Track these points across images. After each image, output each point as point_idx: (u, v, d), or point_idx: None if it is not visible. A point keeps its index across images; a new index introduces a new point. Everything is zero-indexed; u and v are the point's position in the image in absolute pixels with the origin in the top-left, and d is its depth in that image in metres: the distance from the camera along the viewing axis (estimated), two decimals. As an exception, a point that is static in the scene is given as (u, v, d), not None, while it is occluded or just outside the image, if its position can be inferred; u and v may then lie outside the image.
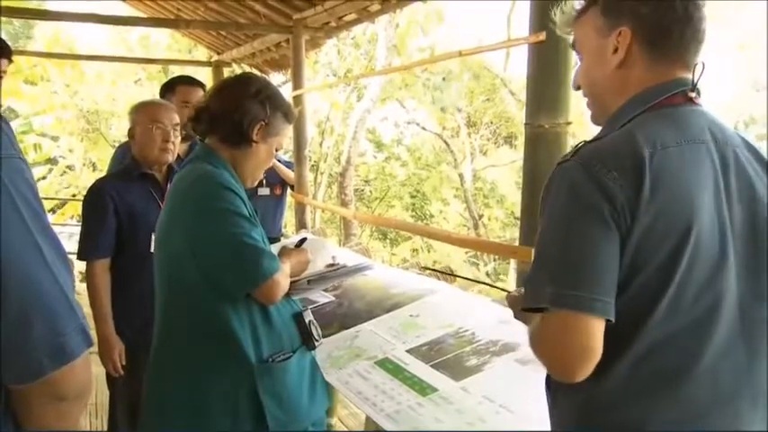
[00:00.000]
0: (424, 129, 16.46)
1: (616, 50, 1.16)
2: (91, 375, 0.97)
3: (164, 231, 1.77)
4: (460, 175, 15.54)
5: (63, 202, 12.76)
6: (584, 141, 1.16)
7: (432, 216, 16.38)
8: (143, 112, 2.53)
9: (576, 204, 1.07)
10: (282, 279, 1.72)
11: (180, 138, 2.59)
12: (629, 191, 1.04)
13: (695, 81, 1.15)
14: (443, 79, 14.98)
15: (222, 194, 1.67)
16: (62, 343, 0.89)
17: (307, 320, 1.85)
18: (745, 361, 1.09)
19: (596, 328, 1.05)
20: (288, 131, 1.89)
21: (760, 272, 1.10)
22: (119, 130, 14.58)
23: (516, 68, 15.13)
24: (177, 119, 2.55)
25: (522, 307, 1.14)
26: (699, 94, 1.18)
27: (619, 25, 1.16)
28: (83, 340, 0.92)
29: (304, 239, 2.16)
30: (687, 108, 1.15)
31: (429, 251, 14.66)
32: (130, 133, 2.54)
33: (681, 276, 1.05)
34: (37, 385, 0.89)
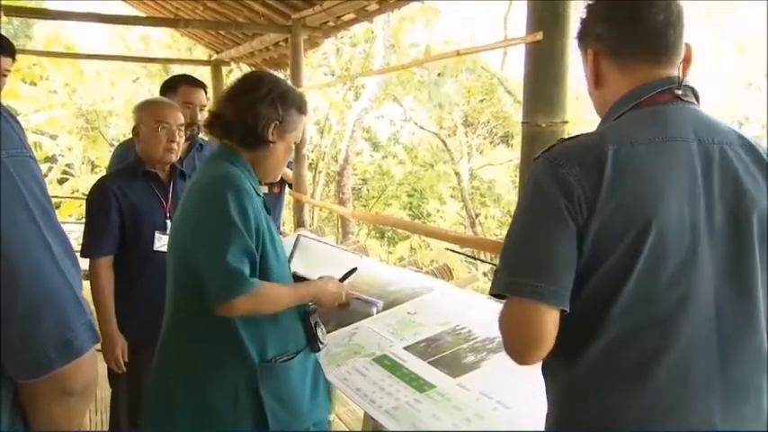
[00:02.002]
0: (421, 128, 16.47)
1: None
2: (97, 371, 0.99)
3: (177, 226, 1.79)
4: (457, 174, 15.55)
5: (62, 201, 12.77)
6: (561, 139, 1.22)
7: (429, 215, 16.38)
8: (148, 111, 2.52)
9: (536, 198, 1.14)
10: (247, 303, 1.65)
11: (184, 138, 2.61)
12: (587, 185, 1.09)
13: (681, 79, 1.18)
14: (438, 75, 14.98)
15: (233, 201, 1.66)
16: (70, 338, 0.90)
17: (313, 322, 1.87)
18: (717, 356, 1.10)
19: (547, 316, 1.10)
20: (304, 124, 1.89)
21: (742, 269, 1.11)
22: (116, 129, 14.57)
23: (513, 68, 15.15)
24: (182, 119, 2.56)
25: (489, 293, 1.20)
26: (692, 92, 1.20)
27: (587, 49, 1.24)
28: (90, 336, 0.93)
29: (354, 270, 2.09)
30: (672, 106, 1.17)
31: (426, 249, 14.68)
32: (135, 131, 2.54)
33: (643, 270, 1.08)
34: (45, 380, 0.90)
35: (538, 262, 1.11)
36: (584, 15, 1.26)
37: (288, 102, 1.81)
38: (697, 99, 1.21)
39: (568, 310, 1.11)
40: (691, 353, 1.09)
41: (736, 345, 1.11)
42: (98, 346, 0.97)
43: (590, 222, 1.08)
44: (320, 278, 1.93)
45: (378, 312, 2.14)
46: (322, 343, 1.87)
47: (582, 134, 1.21)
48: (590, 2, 1.25)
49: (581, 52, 1.28)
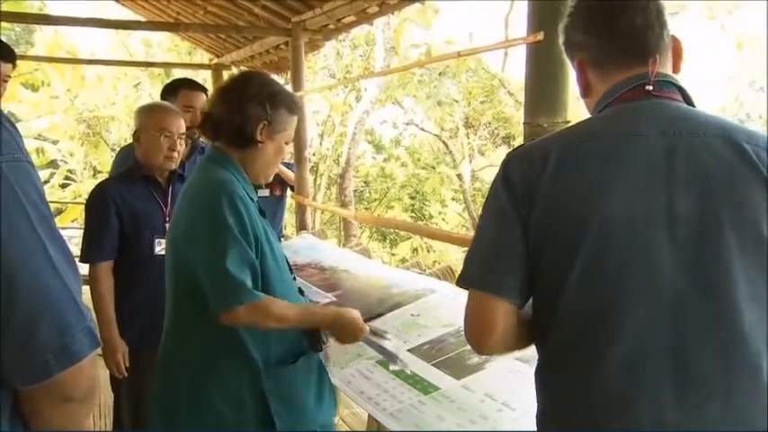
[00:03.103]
0: (422, 130, 16.47)
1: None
2: (98, 376, 0.98)
3: (173, 232, 1.78)
4: (459, 176, 15.55)
5: (64, 206, 12.80)
6: (531, 139, 1.26)
7: (431, 217, 16.38)
8: (151, 118, 2.51)
9: (489, 196, 1.21)
10: (250, 314, 1.64)
11: (185, 145, 2.60)
12: (531, 179, 1.14)
13: (651, 74, 1.16)
14: (440, 74, 14.98)
15: (228, 207, 1.65)
16: (69, 344, 0.89)
17: None
18: (671, 354, 1.06)
19: (493, 306, 1.16)
20: (294, 124, 1.88)
21: (709, 264, 1.06)
22: (118, 134, 14.61)
23: (514, 69, 15.16)
24: (184, 127, 2.54)
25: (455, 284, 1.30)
26: (677, 87, 1.18)
27: (573, 58, 1.27)
28: (90, 342, 0.92)
29: (384, 333, 1.96)
30: (641, 102, 1.16)
31: (428, 251, 14.67)
32: (135, 135, 2.53)
33: (585, 263, 1.09)
34: (45, 386, 0.89)
35: (486, 255, 1.19)
36: (565, 22, 1.26)
37: (277, 102, 1.80)
38: (683, 94, 1.19)
39: (519, 301, 1.17)
40: (640, 349, 1.07)
41: (696, 342, 1.06)
42: (99, 351, 0.96)
43: (533, 214, 1.13)
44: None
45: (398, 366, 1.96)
46: (325, 343, 1.86)
47: (548, 134, 1.26)
48: (570, 8, 1.26)
49: (569, 59, 1.29)
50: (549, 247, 1.12)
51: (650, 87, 1.16)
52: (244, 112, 1.76)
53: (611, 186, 1.09)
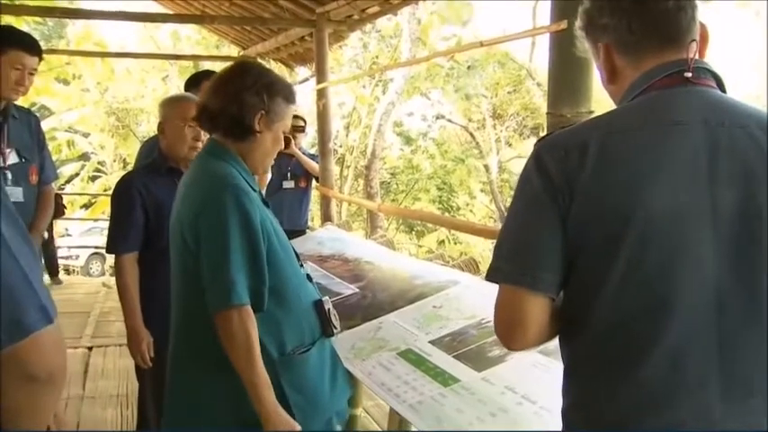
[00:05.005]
0: (450, 121, 16.41)
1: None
2: (64, 360, 0.97)
3: (176, 225, 1.78)
4: (486, 167, 15.47)
5: (94, 198, 13.02)
6: (561, 126, 1.21)
7: (458, 208, 16.35)
8: (174, 109, 2.52)
9: (521, 187, 1.15)
10: (240, 320, 1.63)
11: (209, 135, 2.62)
12: (570, 170, 1.08)
13: (691, 61, 1.11)
14: (468, 68, 14.90)
15: (230, 203, 1.66)
16: (18, 318, 0.89)
17: (326, 308, 1.85)
18: (716, 349, 1.04)
19: (526, 301, 1.10)
20: (291, 113, 1.86)
21: (750, 260, 1.04)
22: (147, 126, 14.81)
23: (542, 59, 15.03)
24: None
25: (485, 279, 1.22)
26: (713, 75, 1.14)
27: (596, 43, 1.20)
28: (42, 317, 0.92)
29: None
30: (680, 89, 1.11)
31: (455, 243, 14.64)
32: (160, 128, 2.55)
33: (628, 257, 1.04)
34: (4, 362, 0.89)
35: (519, 249, 1.13)
36: (587, 5, 1.20)
37: (273, 91, 1.78)
38: (718, 81, 1.15)
39: (554, 296, 1.11)
40: (684, 346, 1.04)
41: (739, 339, 1.04)
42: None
43: (572, 207, 1.07)
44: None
45: None
46: (336, 328, 1.86)
47: (580, 122, 1.20)
48: None
49: (590, 45, 1.22)
50: (588, 240, 1.07)
51: (689, 74, 1.11)
52: (240, 102, 1.74)
53: (653, 179, 1.05)
